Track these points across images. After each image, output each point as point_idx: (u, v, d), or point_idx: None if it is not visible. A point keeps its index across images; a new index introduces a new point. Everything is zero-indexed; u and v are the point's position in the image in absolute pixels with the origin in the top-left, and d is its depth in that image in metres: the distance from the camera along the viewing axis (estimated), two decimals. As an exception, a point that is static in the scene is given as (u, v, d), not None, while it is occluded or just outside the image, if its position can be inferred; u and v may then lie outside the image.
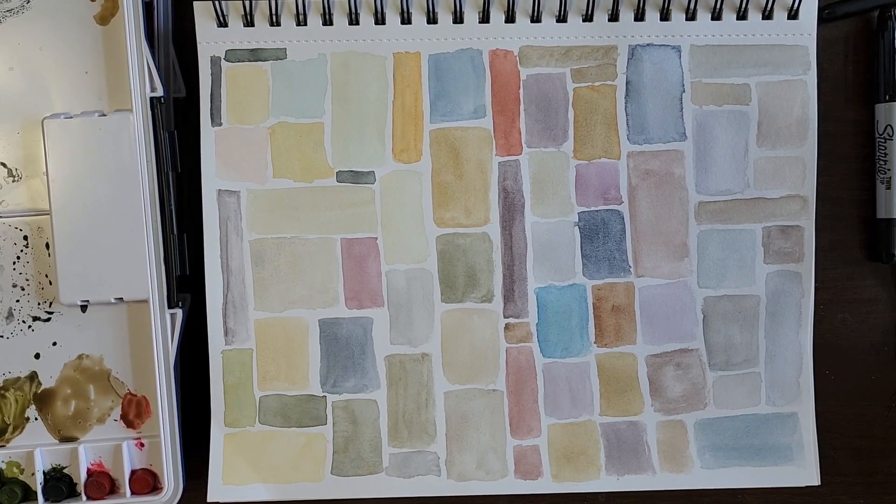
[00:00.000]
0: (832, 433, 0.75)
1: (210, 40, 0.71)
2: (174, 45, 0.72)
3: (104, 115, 0.69)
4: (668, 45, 0.71)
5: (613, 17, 0.71)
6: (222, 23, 0.71)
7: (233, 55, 0.71)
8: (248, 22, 0.71)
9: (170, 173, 0.70)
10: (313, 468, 0.74)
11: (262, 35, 0.71)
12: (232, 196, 0.72)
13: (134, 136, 0.69)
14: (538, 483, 0.74)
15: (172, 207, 0.70)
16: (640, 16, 0.71)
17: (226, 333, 0.73)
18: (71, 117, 0.69)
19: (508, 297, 0.73)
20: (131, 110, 0.69)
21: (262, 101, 0.72)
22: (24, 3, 0.70)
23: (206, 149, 0.72)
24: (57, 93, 0.71)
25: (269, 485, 0.73)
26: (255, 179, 0.72)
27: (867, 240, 0.75)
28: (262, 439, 0.73)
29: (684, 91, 0.72)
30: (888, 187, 0.73)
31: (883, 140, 0.73)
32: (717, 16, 0.71)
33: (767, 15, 0.71)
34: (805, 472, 0.74)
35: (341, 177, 0.72)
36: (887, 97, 0.73)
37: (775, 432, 0.74)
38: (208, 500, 0.73)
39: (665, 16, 0.71)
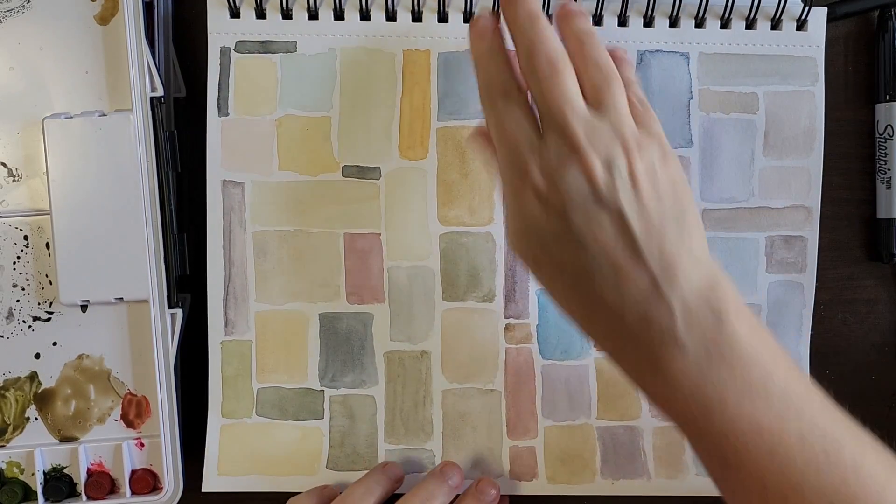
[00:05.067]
0: (831, 433, 0.75)
1: (221, 31, 0.71)
2: (174, 45, 0.72)
3: (104, 115, 0.69)
4: (676, 52, 0.71)
5: (622, 22, 0.71)
6: (235, 13, 0.70)
7: (243, 46, 0.71)
8: (260, 14, 0.71)
9: (170, 173, 0.69)
10: (309, 461, 0.74)
11: (273, 27, 0.71)
12: (237, 187, 0.71)
13: (134, 136, 0.68)
14: (533, 484, 0.74)
15: (172, 207, 0.70)
16: (648, 22, 0.71)
17: (226, 324, 0.73)
18: (71, 117, 0.68)
19: (510, 297, 0.72)
20: (131, 110, 0.68)
21: (271, 94, 0.71)
22: (24, 3, 0.69)
23: (212, 139, 0.71)
24: (57, 93, 0.70)
25: (264, 476, 0.73)
26: (260, 171, 0.72)
27: (867, 240, 0.75)
28: (258, 431, 0.73)
29: (692, 98, 0.71)
30: (888, 187, 0.73)
31: (883, 140, 0.73)
32: (725, 24, 0.71)
33: (776, 25, 0.71)
34: None
35: (347, 171, 0.72)
36: (887, 97, 0.73)
37: (772, 441, 0.74)
38: (203, 489, 0.73)
39: (674, 23, 0.71)
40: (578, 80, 0.58)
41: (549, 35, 0.58)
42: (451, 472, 0.72)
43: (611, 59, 0.59)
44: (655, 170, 0.56)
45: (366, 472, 0.73)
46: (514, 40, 0.60)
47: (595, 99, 0.57)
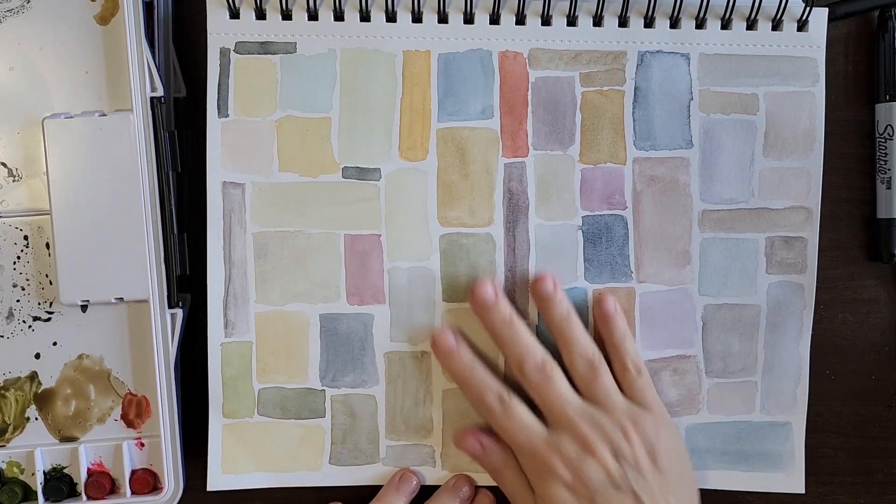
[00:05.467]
0: (832, 433, 0.76)
1: (220, 31, 0.71)
2: (174, 45, 0.72)
3: (104, 115, 0.69)
4: (677, 53, 0.71)
5: (623, 23, 0.71)
6: (234, 14, 0.70)
7: (242, 47, 0.71)
8: (260, 15, 0.70)
9: (170, 173, 0.69)
10: (312, 458, 0.74)
11: (272, 28, 0.71)
12: (237, 188, 0.71)
13: (134, 136, 0.68)
14: None
15: (172, 207, 0.70)
16: (649, 22, 0.71)
17: (226, 326, 0.72)
18: (71, 117, 0.68)
19: (510, 298, 0.72)
20: (131, 110, 0.68)
21: (270, 95, 0.71)
22: (24, 3, 0.69)
23: (212, 140, 0.71)
24: (57, 93, 0.70)
25: (267, 473, 0.74)
26: (260, 172, 0.71)
27: (867, 240, 0.75)
28: (260, 430, 0.73)
29: (692, 98, 0.71)
30: (888, 187, 0.73)
31: (883, 140, 0.73)
32: (726, 25, 0.71)
33: (777, 26, 0.71)
34: (794, 479, 0.75)
35: (347, 173, 0.72)
36: (887, 97, 0.73)
37: (768, 440, 0.74)
38: (208, 488, 0.74)
39: (674, 23, 0.71)
40: (568, 371, 0.70)
41: (530, 342, 0.70)
42: (461, 486, 0.74)
43: (591, 342, 0.70)
44: (654, 447, 0.68)
45: (368, 465, 0.74)
46: (497, 344, 0.72)
47: (587, 388, 0.70)
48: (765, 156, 0.72)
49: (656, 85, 0.71)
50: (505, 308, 0.70)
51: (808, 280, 0.73)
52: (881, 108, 0.74)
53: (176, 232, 0.70)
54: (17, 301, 0.71)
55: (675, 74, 0.71)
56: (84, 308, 0.71)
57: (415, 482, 0.74)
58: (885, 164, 0.73)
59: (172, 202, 0.70)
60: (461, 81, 0.71)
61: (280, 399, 0.73)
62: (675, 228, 0.72)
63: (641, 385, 0.70)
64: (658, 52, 0.71)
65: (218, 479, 0.73)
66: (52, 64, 0.70)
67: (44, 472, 0.72)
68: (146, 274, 0.69)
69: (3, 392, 0.72)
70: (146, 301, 0.70)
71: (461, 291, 0.73)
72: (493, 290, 0.70)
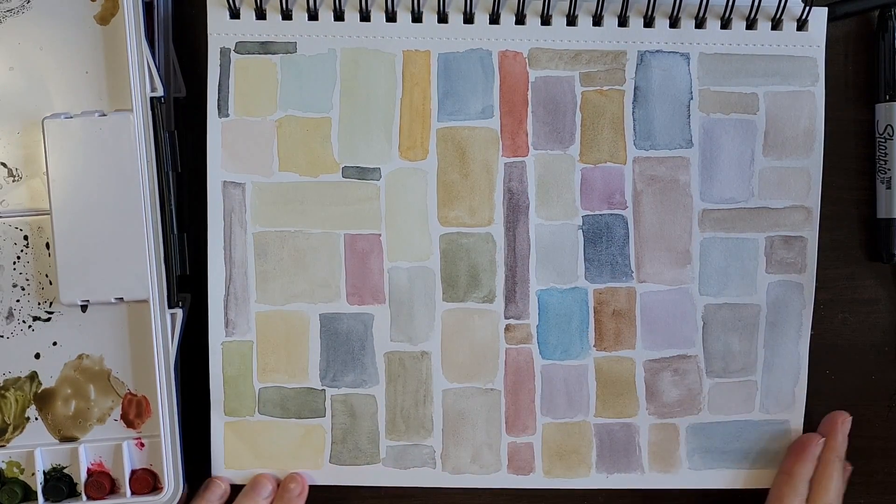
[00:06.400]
0: (832, 433, 0.76)
1: (221, 31, 0.71)
2: (174, 45, 0.72)
3: (104, 115, 0.69)
4: (676, 52, 0.71)
5: (622, 22, 0.71)
6: (234, 14, 0.70)
7: (242, 47, 0.71)
8: (260, 15, 0.70)
9: (170, 173, 0.69)
10: (312, 456, 0.74)
11: (272, 28, 0.71)
12: (237, 188, 0.72)
13: (134, 136, 0.68)
14: (530, 478, 0.75)
15: (172, 207, 0.69)
16: (649, 22, 0.71)
17: (227, 325, 0.73)
18: (71, 117, 0.68)
19: (510, 298, 0.72)
20: (131, 110, 0.68)
21: (271, 94, 0.71)
22: (24, 3, 0.69)
23: (212, 140, 0.71)
24: (57, 93, 0.70)
25: (270, 470, 0.74)
26: (260, 172, 0.72)
27: (867, 240, 0.75)
28: (261, 429, 0.73)
29: (692, 98, 0.71)
30: (888, 187, 0.73)
31: (883, 140, 0.73)
32: (726, 24, 0.71)
33: (776, 25, 0.71)
34: None
35: (347, 172, 0.72)
36: (887, 97, 0.73)
37: (765, 438, 0.74)
38: None
39: (674, 23, 0.71)
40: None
41: (842, 490, 0.73)
42: (261, 485, 0.73)
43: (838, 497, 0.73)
44: None
45: (368, 465, 0.74)
46: (816, 475, 0.73)
47: None
48: (765, 155, 0.72)
49: (656, 85, 0.71)
50: (841, 447, 0.73)
51: (808, 279, 0.73)
52: (881, 108, 0.73)
53: (176, 232, 0.70)
54: (17, 301, 0.71)
55: (674, 74, 0.71)
56: (84, 308, 0.71)
57: (269, 488, 0.73)
58: (885, 164, 0.73)
59: (172, 202, 0.70)
60: (461, 81, 0.71)
61: (280, 398, 0.73)
62: (676, 228, 0.72)
63: None
64: (658, 51, 0.71)
65: (221, 473, 0.74)
66: (52, 64, 0.70)
67: (44, 472, 0.72)
68: (146, 274, 0.69)
69: (3, 392, 0.72)
70: (146, 301, 0.69)
71: (461, 291, 0.73)
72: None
